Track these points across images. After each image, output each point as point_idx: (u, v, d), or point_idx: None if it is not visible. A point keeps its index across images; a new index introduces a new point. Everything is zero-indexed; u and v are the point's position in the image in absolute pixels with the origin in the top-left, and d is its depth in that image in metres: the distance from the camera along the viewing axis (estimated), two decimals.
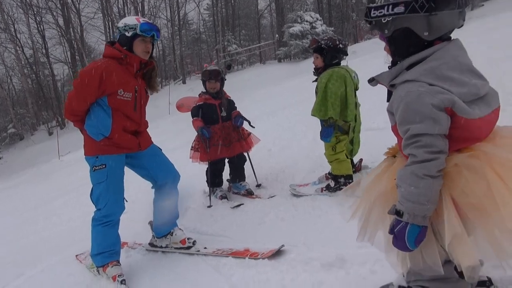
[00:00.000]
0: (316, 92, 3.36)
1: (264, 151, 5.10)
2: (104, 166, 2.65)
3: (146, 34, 2.63)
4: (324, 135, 3.35)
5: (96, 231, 2.73)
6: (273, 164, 4.74)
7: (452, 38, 1.41)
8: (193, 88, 19.20)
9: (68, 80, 31.29)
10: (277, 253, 2.58)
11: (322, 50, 3.30)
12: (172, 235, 3.03)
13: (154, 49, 2.86)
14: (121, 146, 2.70)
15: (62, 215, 5.29)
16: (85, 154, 2.76)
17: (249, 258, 2.62)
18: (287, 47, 23.43)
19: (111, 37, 26.84)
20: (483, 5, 25.49)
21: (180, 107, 4.75)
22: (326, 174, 3.72)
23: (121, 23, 2.69)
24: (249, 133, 4.18)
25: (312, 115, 3.37)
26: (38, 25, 25.18)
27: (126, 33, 2.64)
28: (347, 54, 3.40)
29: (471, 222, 1.35)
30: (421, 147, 1.31)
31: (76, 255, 3.33)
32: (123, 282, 2.65)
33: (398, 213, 1.39)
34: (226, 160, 4.14)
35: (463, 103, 1.29)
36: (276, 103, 9.90)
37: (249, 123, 4.07)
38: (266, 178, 4.30)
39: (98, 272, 2.84)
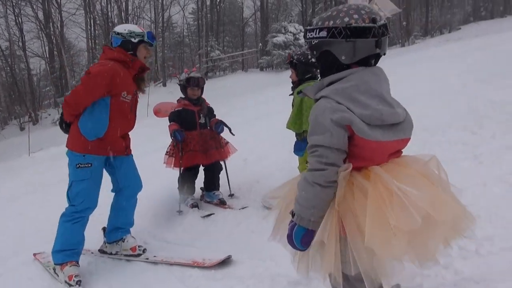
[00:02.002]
0: (292, 106, 3.36)
1: (239, 160, 5.04)
2: (90, 165, 2.74)
3: (151, 42, 2.92)
4: (297, 149, 3.34)
5: (64, 227, 2.77)
6: (248, 174, 4.69)
7: (373, 65, 1.53)
8: (173, 91, 18.99)
9: (44, 75, 30.49)
10: (230, 264, 2.60)
11: (295, 65, 3.30)
12: (123, 242, 3.05)
13: None
14: (111, 149, 2.83)
15: (28, 214, 5.08)
16: (70, 149, 2.79)
17: (196, 267, 2.64)
18: (270, 56, 23.58)
19: (92, 34, 26.40)
20: (460, 28, 26.48)
21: (157, 112, 4.64)
22: (293, 178, 3.70)
23: (124, 30, 2.89)
24: (227, 142, 4.13)
25: (287, 127, 3.36)
26: (16, 17, 24.50)
27: (132, 39, 2.86)
28: None
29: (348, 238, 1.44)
30: (315, 157, 1.43)
31: (34, 254, 3.25)
32: (78, 283, 2.66)
33: (292, 213, 1.52)
34: (202, 168, 4.08)
35: (363, 124, 1.40)
36: (256, 111, 9.89)
37: (230, 130, 4.03)
38: (239, 188, 4.24)
39: (54, 271, 2.83)
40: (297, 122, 3.23)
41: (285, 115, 6.71)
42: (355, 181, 1.45)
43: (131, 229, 3.17)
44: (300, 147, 3.29)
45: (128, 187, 3.03)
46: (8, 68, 25.30)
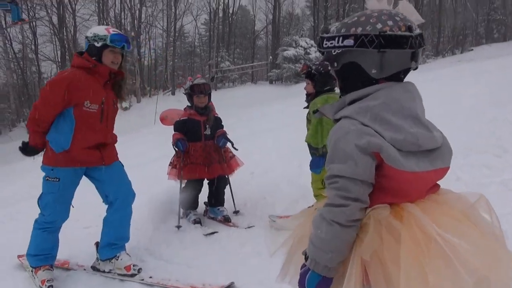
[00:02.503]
0: (307, 119, 3.16)
1: (246, 173, 4.83)
2: (57, 179, 2.65)
3: (116, 45, 2.63)
4: (314, 165, 3.11)
5: (36, 234, 2.77)
6: (254, 188, 4.47)
7: (404, 80, 1.29)
8: (181, 100, 18.85)
9: None
10: None
11: (313, 76, 3.10)
12: (117, 260, 2.83)
13: (132, 59, 3.02)
14: (80, 160, 2.68)
15: (23, 219, 4.89)
16: (42, 163, 2.73)
17: None
18: (279, 70, 23.54)
19: None
20: (472, 49, 26.35)
21: (163, 119, 4.46)
22: (309, 207, 3.47)
23: (90, 33, 2.68)
24: (232, 156, 3.92)
25: (306, 141, 3.15)
26: (31, 21, 24.73)
27: (96, 43, 2.62)
28: None
29: None
30: (335, 189, 1.19)
31: (19, 256, 3.12)
32: (50, 287, 2.65)
33: (305, 255, 1.27)
34: (206, 182, 3.86)
35: (394, 150, 1.16)
36: (264, 124, 9.73)
37: (232, 144, 3.83)
38: (245, 204, 4.01)
39: (32, 273, 2.80)
40: (316, 135, 3.02)
41: (294, 128, 6.50)
42: (383, 220, 1.19)
43: (127, 244, 2.95)
44: (317, 163, 3.06)
45: (118, 199, 2.83)
46: (20, 70, 25.50)
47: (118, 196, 2.83)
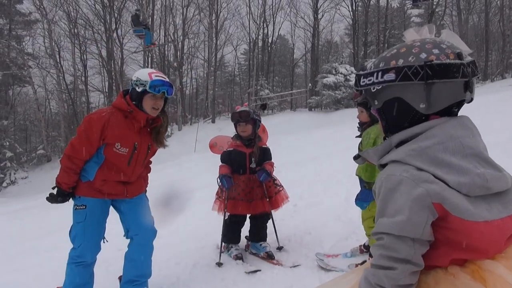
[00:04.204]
0: (359, 149, 2.91)
1: (289, 205, 4.57)
2: (84, 206, 2.63)
3: (155, 92, 2.57)
4: (361, 198, 2.80)
5: (70, 268, 2.70)
6: (298, 223, 4.22)
7: (458, 115, 1.12)
8: (221, 128, 19.16)
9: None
10: None
11: (367, 103, 2.86)
12: None
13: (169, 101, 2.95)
14: (103, 192, 2.66)
15: (67, 248, 4.89)
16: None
17: None
18: (319, 97, 23.39)
19: None
20: None
21: (213, 146, 4.33)
22: (360, 246, 3.16)
23: (134, 76, 2.66)
24: (279, 191, 3.67)
25: (356, 175, 2.88)
26: (82, 55, 26.42)
27: (137, 88, 2.59)
28: None
29: None
30: (379, 248, 1.04)
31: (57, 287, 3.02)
32: None
33: None
34: (248, 215, 3.65)
35: (461, 197, 0.98)
36: (305, 152, 9.49)
37: (273, 181, 3.64)
38: (289, 240, 3.75)
39: None
40: (368, 168, 2.74)
41: (338, 157, 6.18)
42: (459, 282, 0.99)
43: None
44: (366, 197, 2.76)
45: (137, 235, 2.78)
46: (70, 101, 27.02)
47: (138, 233, 2.78)
